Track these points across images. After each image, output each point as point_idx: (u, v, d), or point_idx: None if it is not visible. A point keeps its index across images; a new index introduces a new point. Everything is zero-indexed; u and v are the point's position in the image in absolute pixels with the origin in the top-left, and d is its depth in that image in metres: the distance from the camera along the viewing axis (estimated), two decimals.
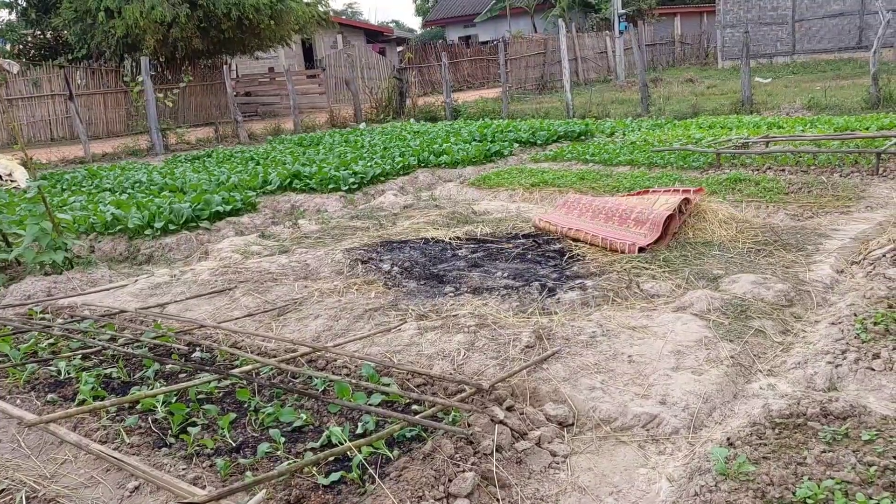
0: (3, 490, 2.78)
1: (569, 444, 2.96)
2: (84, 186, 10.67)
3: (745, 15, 28.23)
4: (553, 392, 3.27)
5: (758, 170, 7.71)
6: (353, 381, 3.31)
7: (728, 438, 2.71)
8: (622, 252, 5.11)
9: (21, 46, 24.34)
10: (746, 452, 2.53)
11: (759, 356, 3.53)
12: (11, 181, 11.91)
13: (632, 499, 2.60)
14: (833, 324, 3.67)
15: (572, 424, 3.08)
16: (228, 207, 7.73)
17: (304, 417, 3.16)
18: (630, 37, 27.91)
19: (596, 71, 30.59)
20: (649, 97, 15.98)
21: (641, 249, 5.06)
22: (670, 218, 5.23)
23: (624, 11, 27.08)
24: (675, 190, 5.77)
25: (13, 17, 24.41)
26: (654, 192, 5.92)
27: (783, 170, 7.54)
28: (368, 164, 10.07)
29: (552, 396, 3.25)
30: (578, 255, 5.29)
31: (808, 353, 3.43)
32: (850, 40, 26.17)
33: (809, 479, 2.32)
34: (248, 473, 2.72)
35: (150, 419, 3.24)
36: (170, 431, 3.12)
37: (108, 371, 3.79)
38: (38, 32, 24.57)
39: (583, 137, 12.21)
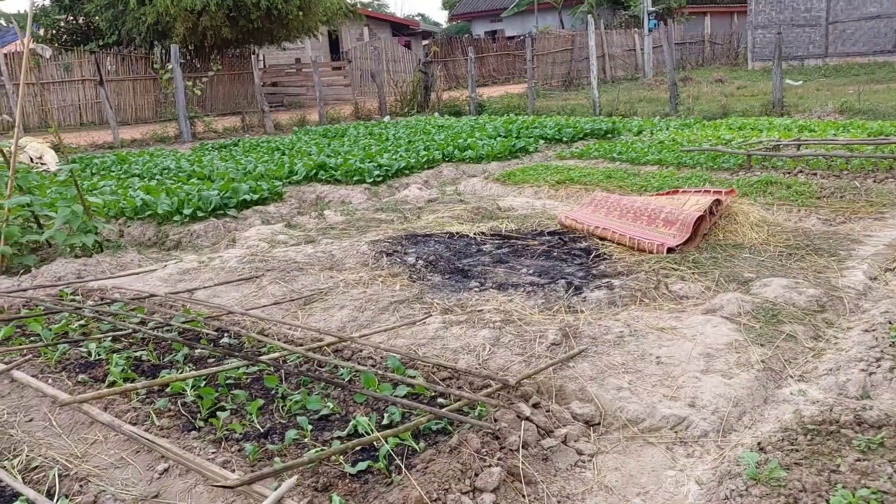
0: (37, 467, 2.83)
1: (595, 443, 2.94)
2: (113, 171, 10.80)
3: (777, 16, 27.84)
4: (579, 391, 3.26)
5: (789, 173, 7.61)
6: (379, 372, 3.32)
7: (759, 443, 2.68)
8: (650, 252, 5.07)
9: (54, 31, 24.64)
10: (778, 458, 2.50)
11: (790, 361, 3.49)
12: (42, 164, 12.07)
13: (659, 501, 2.58)
14: (866, 331, 3.62)
15: (599, 424, 3.07)
16: (255, 196, 7.78)
17: (331, 406, 3.17)
18: (659, 35, 27.68)
19: (623, 68, 30.36)
20: (678, 96, 15.82)
21: (670, 250, 5.02)
22: (701, 219, 5.17)
23: (654, 9, 26.85)
24: (705, 191, 5.71)
25: (47, 2, 24.72)
26: (684, 192, 5.86)
27: (815, 174, 7.43)
28: (393, 157, 10.08)
29: (578, 395, 3.24)
30: (605, 254, 5.25)
31: (840, 360, 3.39)
32: (887, 43, 25.70)
33: (843, 487, 2.29)
34: (277, 459, 2.74)
35: (179, 402, 3.28)
36: (199, 415, 3.15)
37: (137, 354, 3.83)
38: (71, 18, 24.85)
39: (609, 135, 12.13)
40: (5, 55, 18.78)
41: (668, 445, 2.90)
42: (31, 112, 19.86)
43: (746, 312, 3.93)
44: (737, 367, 3.37)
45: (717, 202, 5.42)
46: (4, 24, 23.89)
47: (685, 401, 3.11)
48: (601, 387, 3.25)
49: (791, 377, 3.35)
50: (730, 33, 35.57)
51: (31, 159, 12.13)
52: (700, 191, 5.80)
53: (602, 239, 5.57)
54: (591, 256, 5.25)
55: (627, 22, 35.52)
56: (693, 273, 4.65)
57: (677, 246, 5.05)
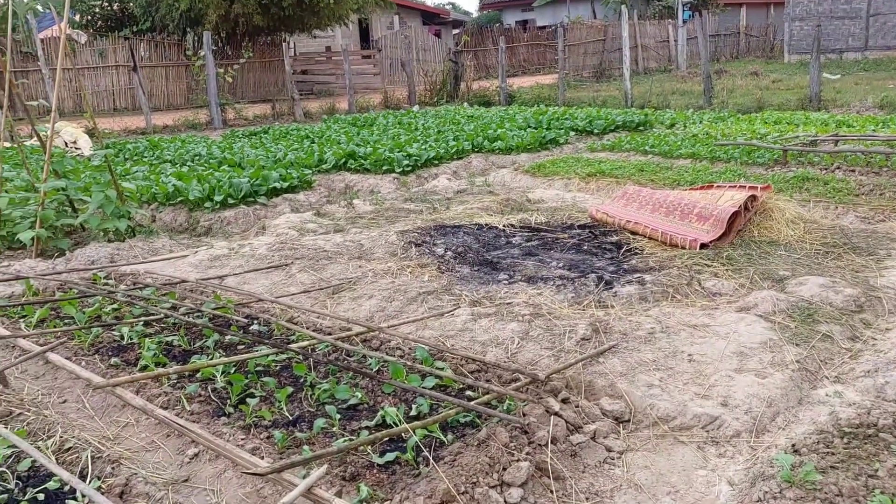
0: (70, 448, 2.87)
1: (624, 440, 2.91)
2: (146, 157, 10.93)
3: (815, 8, 27.24)
4: (609, 387, 3.22)
5: (826, 169, 7.45)
6: (407, 363, 3.32)
7: (793, 445, 2.63)
8: (683, 247, 4.99)
9: (89, 17, 24.95)
10: (813, 461, 2.45)
11: (825, 362, 3.41)
12: (76, 148, 12.27)
13: (690, 500, 2.54)
14: None
15: (628, 421, 3.03)
16: (285, 184, 7.83)
17: (359, 396, 3.18)
18: (693, 26, 27.25)
19: (656, 60, 29.95)
20: (712, 89, 15.57)
21: (704, 246, 4.94)
22: (735, 215, 5.08)
23: (688, 0, 26.40)
24: (740, 186, 5.61)
25: None
26: (718, 187, 5.77)
27: (853, 170, 7.26)
28: (422, 146, 10.06)
29: (608, 391, 3.20)
30: (636, 249, 5.19)
31: (878, 362, 3.31)
32: None
33: (882, 492, 2.24)
34: (305, 447, 2.75)
35: (209, 388, 3.31)
36: (229, 401, 3.17)
37: (169, 339, 3.87)
38: (106, 4, 25.14)
39: (641, 128, 11.98)
40: (42, 40, 19.08)
41: (699, 445, 2.85)
42: (66, 97, 20.17)
43: (781, 311, 3.85)
44: (771, 366, 3.31)
45: (753, 198, 5.32)
46: (41, 10, 24.26)
47: (717, 400, 3.06)
48: (631, 383, 3.21)
49: (827, 378, 3.28)
50: (766, 25, 34.89)
51: (66, 144, 12.33)
52: (735, 186, 5.70)
53: (633, 233, 5.50)
54: (622, 251, 5.19)
55: (661, 13, 35.00)
56: (727, 270, 4.57)
57: (711, 242, 4.97)
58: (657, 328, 3.72)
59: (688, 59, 27.90)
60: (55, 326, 4.16)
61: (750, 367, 3.31)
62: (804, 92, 14.87)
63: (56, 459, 2.79)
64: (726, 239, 5.07)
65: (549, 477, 2.60)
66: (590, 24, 31.76)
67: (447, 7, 55.56)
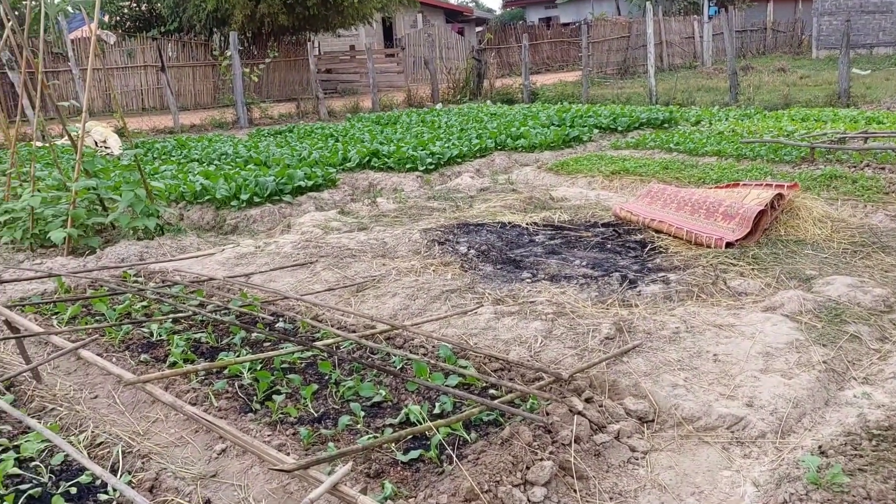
0: (102, 443, 2.93)
1: (649, 440, 2.91)
2: (173, 156, 11.08)
3: (845, 2, 26.79)
4: (633, 386, 3.21)
5: (855, 167, 7.33)
6: (431, 361, 3.34)
7: (820, 447, 2.61)
8: (708, 246, 4.96)
9: (118, 18, 25.31)
10: (841, 463, 2.43)
11: (853, 363, 3.37)
12: (105, 148, 12.47)
13: (714, 501, 2.53)
14: None
15: (653, 421, 3.03)
16: (310, 183, 7.89)
17: (383, 393, 3.21)
18: (719, 22, 26.93)
19: (681, 56, 29.66)
20: (738, 85, 15.39)
21: (729, 245, 4.90)
22: (761, 213, 5.03)
23: None
24: (767, 184, 5.55)
25: None
26: (744, 185, 5.71)
27: (883, 168, 7.15)
28: (445, 144, 10.08)
29: (632, 391, 3.20)
30: (661, 248, 5.16)
31: None
32: None
33: None
34: (331, 444, 2.78)
35: (236, 384, 3.36)
36: (255, 398, 3.22)
37: (197, 336, 3.94)
38: (134, 4, 25.48)
39: (666, 125, 11.89)
40: (72, 41, 19.40)
41: (724, 445, 2.84)
42: (95, 97, 20.49)
43: (808, 311, 3.81)
44: (797, 367, 3.28)
45: (779, 196, 5.27)
46: (72, 11, 24.66)
47: (743, 400, 3.04)
48: (656, 383, 3.20)
49: (855, 379, 3.24)
50: (793, 20, 34.34)
51: (96, 143, 12.54)
52: (761, 184, 5.64)
53: (658, 232, 5.47)
54: (647, 249, 5.16)
55: (686, 9, 34.64)
56: (752, 269, 4.53)
57: (736, 241, 4.93)
58: (682, 328, 3.70)
59: (713, 55, 27.61)
60: (86, 323, 4.24)
61: (776, 367, 3.28)
62: (832, 88, 14.65)
63: (88, 454, 2.85)
64: (752, 238, 5.02)
65: (572, 476, 2.61)
66: (614, 20, 31.53)
67: (470, 5, 55.50)
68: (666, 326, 3.73)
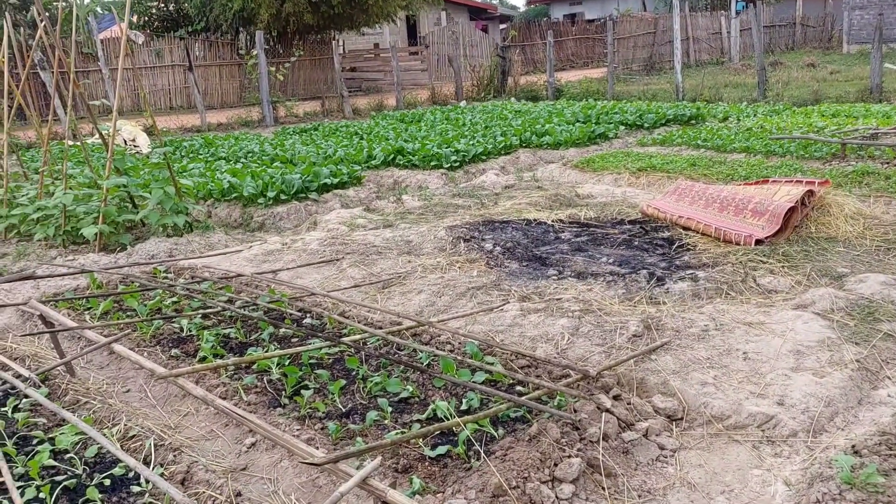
0: (134, 436, 2.98)
1: (677, 438, 2.88)
2: (201, 154, 11.21)
3: None
4: (662, 384, 3.19)
5: (888, 163, 7.20)
6: (457, 357, 3.34)
7: (853, 446, 2.57)
8: (737, 244, 4.90)
9: (146, 18, 25.64)
10: (875, 462, 2.39)
11: (887, 361, 3.32)
12: (134, 146, 12.65)
13: (745, 500, 2.51)
14: None
15: (681, 419, 3.00)
16: (335, 180, 7.93)
17: (410, 389, 3.22)
18: (747, 17, 26.58)
19: (708, 52, 29.32)
20: (766, 81, 15.18)
21: (759, 242, 4.84)
22: (792, 210, 4.96)
23: None
24: (797, 181, 5.47)
25: None
26: (773, 182, 5.63)
27: None
28: (470, 142, 10.08)
29: (660, 389, 3.18)
30: (689, 245, 5.11)
31: None
32: None
33: None
34: (359, 439, 2.80)
35: (265, 379, 3.40)
36: (284, 393, 3.25)
37: (226, 331, 3.98)
38: (162, 5, 25.79)
39: (693, 122, 11.77)
40: (101, 41, 19.69)
41: (754, 444, 2.81)
42: (124, 96, 20.78)
43: (840, 309, 3.75)
44: (829, 365, 3.24)
45: (810, 193, 5.19)
46: (101, 12, 25.03)
47: (773, 399, 3.01)
48: (684, 381, 3.17)
49: (889, 378, 3.19)
50: (823, 15, 33.76)
51: (125, 142, 12.72)
52: (791, 181, 5.56)
53: (686, 229, 5.42)
54: (675, 247, 5.12)
55: (713, 4, 34.22)
56: (783, 266, 4.47)
57: (766, 238, 4.87)
58: (711, 325, 3.67)
59: (741, 51, 27.24)
60: (118, 319, 4.31)
61: (807, 365, 3.24)
62: (864, 83, 14.39)
63: (121, 447, 2.90)
64: (782, 235, 4.96)
65: (600, 473, 2.60)
66: (640, 16, 31.26)
67: (494, 2, 55.34)
68: (695, 324, 3.69)
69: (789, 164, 7.50)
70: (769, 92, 15.05)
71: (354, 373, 3.44)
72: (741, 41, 27.30)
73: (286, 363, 3.51)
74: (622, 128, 11.42)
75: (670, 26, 19.73)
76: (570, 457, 2.60)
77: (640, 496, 2.55)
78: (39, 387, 3.34)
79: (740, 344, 3.47)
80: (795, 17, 32.87)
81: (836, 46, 29.58)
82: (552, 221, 6.08)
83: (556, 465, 2.56)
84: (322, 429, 2.94)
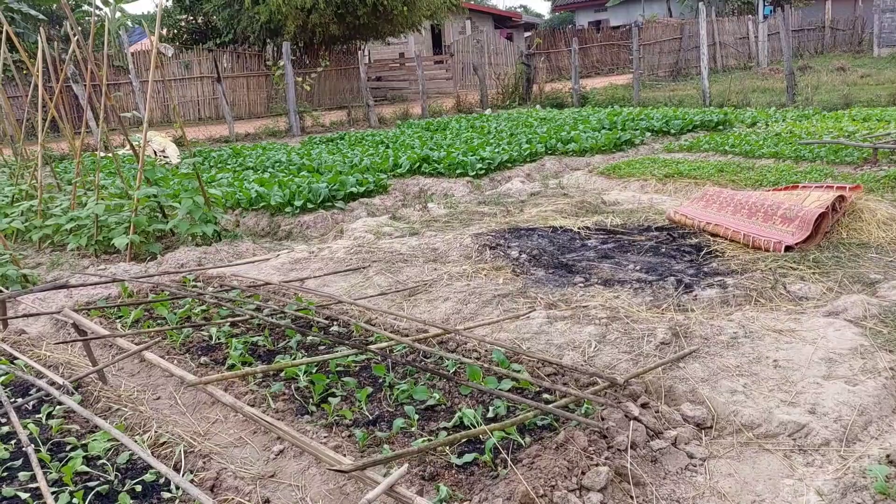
0: (165, 442, 3.02)
1: (707, 447, 2.85)
2: (229, 164, 11.35)
3: None
4: (690, 392, 3.16)
5: None
6: (484, 365, 3.34)
7: (888, 455, 2.52)
8: (766, 250, 4.84)
9: (175, 31, 26.11)
10: None
11: None
12: (164, 157, 12.85)
13: None
14: None
15: (711, 427, 2.97)
16: (362, 189, 7.99)
17: (437, 397, 3.23)
18: (775, 21, 26.29)
19: (735, 57, 29.03)
20: (795, 86, 14.98)
21: (788, 248, 4.78)
22: (822, 216, 4.89)
23: None
24: (828, 186, 5.39)
25: (169, 3, 26.21)
26: (803, 187, 5.56)
27: None
28: (495, 150, 10.08)
29: (689, 397, 3.14)
30: (717, 251, 5.06)
31: None
32: None
33: None
34: (386, 447, 2.81)
35: (292, 387, 3.42)
36: (311, 400, 3.28)
37: (254, 339, 4.02)
38: (191, 17, 26.24)
39: (721, 127, 11.65)
40: (132, 54, 20.08)
41: (785, 453, 2.77)
42: (154, 108, 21.15)
43: (873, 316, 3.69)
44: (862, 373, 3.18)
45: (841, 198, 5.11)
46: (131, 25, 25.52)
47: (805, 407, 2.96)
48: (713, 389, 3.14)
49: None
50: (853, 18, 33.24)
51: (155, 153, 12.94)
52: (821, 186, 5.48)
53: (714, 235, 5.37)
54: (703, 253, 5.07)
55: (740, 9, 33.90)
56: (813, 273, 4.40)
57: (796, 244, 4.80)
58: (740, 333, 3.62)
59: (769, 55, 26.95)
60: (148, 327, 4.38)
61: (839, 373, 3.18)
62: None
63: (151, 453, 2.94)
64: (813, 241, 4.88)
65: (629, 482, 2.58)
66: (665, 22, 31.07)
67: (519, 10, 55.43)
68: (723, 331, 3.65)
69: (819, 169, 7.39)
70: (798, 96, 14.85)
71: (381, 380, 3.45)
72: (769, 45, 27.01)
73: (313, 371, 3.54)
74: (648, 134, 11.35)
75: (696, 31, 19.57)
76: (597, 465, 2.58)
77: None
78: (73, 394, 3.40)
79: (770, 351, 3.42)
80: (824, 20, 32.41)
81: (866, 50, 29.11)
82: (578, 228, 6.06)
83: (583, 473, 2.55)
84: (349, 436, 2.96)
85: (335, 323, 4.23)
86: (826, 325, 3.62)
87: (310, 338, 3.95)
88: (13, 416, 3.07)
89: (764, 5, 26.90)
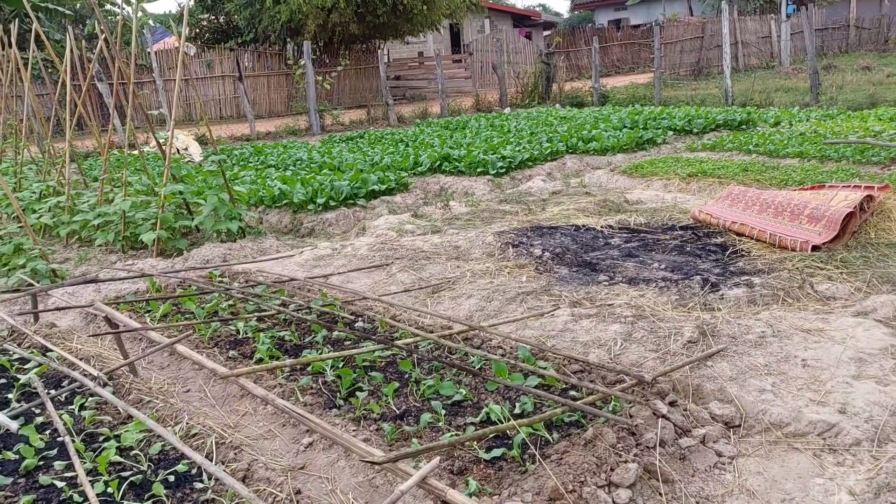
0: (196, 434, 3.06)
1: (735, 445, 2.84)
2: (251, 162, 11.45)
3: None
4: (718, 391, 3.15)
5: None
6: (510, 361, 3.35)
7: None
8: (793, 250, 4.80)
9: (197, 30, 26.34)
10: None
11: None
12: (187, 154, 12.98)
13: None
14: None
15: (739, 426, 2.96)
16: (383, 187, 8.02)
17: (463, 392, 3.24)
18: (799, 20, 26.02)
19: (757, 56, 28.78)
20: (819, 85, 14.82)
21: (815, 248, 4.74)
22: (850, 216, 4.84)
23: None
24: (855, 185, 5.34)
25: (191, 3, 26.43)
26: (830, 187, 5.51)
27: None
28: (516, 148, 10.08)
29: (717, 395, 3.13)
30: (743, 251, 5.03)
31: None
32: None
33: None
34: (414, 441, 2.83)
35: (319, 381, 3.46)
36: (338, 394, 3.31)
37: (280, 334, 4.06)
38: (213, 17, 26.46)
39: (744, 126, 11.56)
40: (154, 53, 20.28)
41: (815, 452, 2.75)
42: (176, 106, 21.36)
43: None
44: (893, 373, 3.15)
45: (869, 198, 5.06)
46: (153, 25, 25.77)
47: (834, 406, 2.94)
48: (742, 388, 3.13)
49: None
50: (879, 17, 32.81)
51: (178, 150, 13.07)
52: (849, 185, 5.43)
53: (739, 235, 5.34)
54: (728, 252, 5.04)
55: (762, 7, 33.58)
56: (841, 273, 4.37)
57: (823, 244, 4.76)
58: (768, 332, 3.60)
59: (791, 54, 26.67)
60: (177, 321, 4.43)
61: (870, 373, 3.16)
62: None
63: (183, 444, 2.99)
64: (840, 241, 4.84)
65: (657, 479, 2.58)
66: (687, 21, 30.85)
67: (537, 9, 55.27)
68: (751, 330, 3.63)
69: (845, 168, 7.31)
70: (822, 96, 14.69)
71: (407, 376, 3.47)
72: (792, 45, 26.73)
73: (340, 365, 3.57)
74: (670, 133, 11.28)
75: (718, 30, 19.42)
76: (626, 462, 2.58)
77: (698, 503, 2.53)
78: (107, 385, 3.46)
79: (799, 351, 3.40)
80: (849, 18, 32.03)
81: (892, 49, 28.75)
82: (601, 227, 6.04)
83: (612, 469, 2.55)
84: (377, 430, 2.98)
85: (360, 319, 4.26)
86: (855, 324, 3.59)
87: (335, 333, 3.99)
88: (50, 407, 3.12)
89: (787, 4, 26.60)
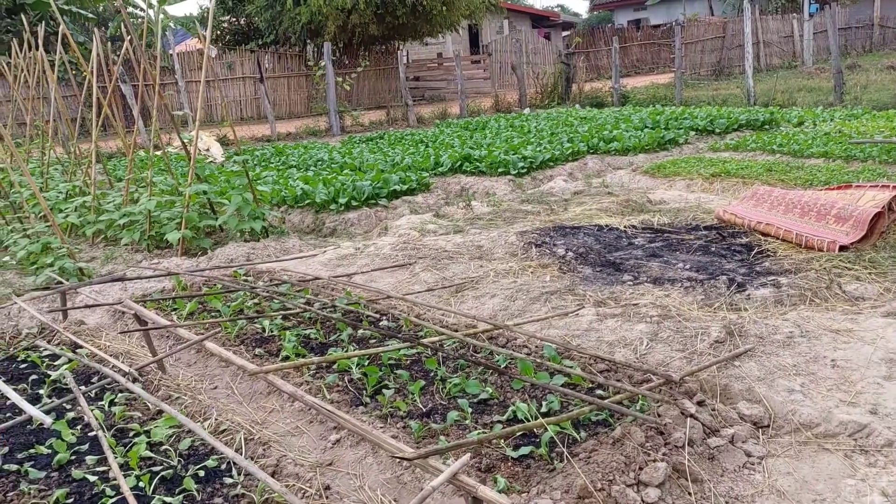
0: (225, 430, 3.10)
1: (764, 445, 2.82)
2: (272, 163, 11.53)
3: None
4: (746, 391, 3.13)
5: None
6: (535, 360, 3.35)
7: None
8: (820, 250, 4.76)
9: (218, 32, 26.56)
10: None
11: None
12: (209, 155, 13.09)
13: None
14: None
15: (768, 426, 2.94)
16: (404, 187, 8.05)
17: (489, 391, 3.25)
18: (822, 19, 25.74)
19: (779, 56, 28.48)
20: (843, 85, 14.65)
21: (843, 248, 4.69)
22: (878, 215, 4.79)
23: None
24: (883, 185, 5.27)
25: (213, 5, 26.65)
26: (857, 187, 5.45)
27: None
28: (536, 149, 10.07)
29: (745, 395, 3.11)
30: (769, 251, 4.99)
31: None
32: None
33: None
34: (441, 438, 2.84)
35: (345, 379, 3.48)
36: (364, 392, 3.32)
37: (306, 332, 4.09)
38: (234, 19, 26.67)
39: (767, 126, 11.46)
40: (176, 55, 20.48)
41: (846, 453, 2.72)
42: (198, 107, 21.57)
43: None
44: None
45: None
46: (174, 27, 26.05)
47: (865, 407, 2.91)
48: (770, 388, 3.10)
49: None
50: None
51: (200, 151, 13.19)
52: (876, 185, 5.36)
53: (764, 235, 5.29)
54: (753, 253, 5.00)
55: (784, 7, 33.25)
56: (870, 273, 4.32)
57: (851, 244, 4.71)
58: (796, 332, 3.57)
59: (814, 54, 26.39)
60: (203, 318, 4.48)
61: None
62: None
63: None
64: (868, 241, 4.79)
65: (686, 479, 2.57)
66: (707, 21, 30.62)
67: (556, 9, 55.12)
68: (779, 331, 3.60)
69: (872, 168, 7.23)
70: (846, 96, 14.53)
71: (433, 374, 3.49)
72: (814, 44, 26.45)
73: (366, 363, 3.59)
74: (692, 133, 11.21)
75: (739, 30, 19.28)
76: (655, 461, 2.58)
77: (727, 503, 2.51)
78: (137, 381, 3.50)
79: (828, 351, 3.37)
80: (873, 17, 31.62)
81: None
82: (624, 227, 6.02)
83: (640, 468, 2.55)
84: (404, 427, 2.99)
85: (385, 317, 4.28)
86: (885, 325, 3.55)
87: (360, 331, 4.01)
88: (83, 403, 3.17)
89: (810, 3, 26.31)
